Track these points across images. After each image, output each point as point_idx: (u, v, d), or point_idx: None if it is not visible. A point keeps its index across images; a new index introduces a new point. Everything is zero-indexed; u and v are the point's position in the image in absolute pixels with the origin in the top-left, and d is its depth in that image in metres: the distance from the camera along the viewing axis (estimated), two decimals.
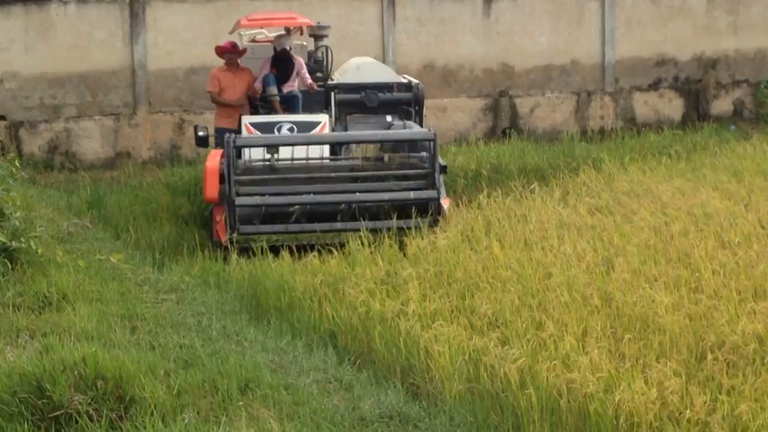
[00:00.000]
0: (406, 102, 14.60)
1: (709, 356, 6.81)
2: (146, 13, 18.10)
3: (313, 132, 13.15)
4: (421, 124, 14.21)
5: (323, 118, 13.45)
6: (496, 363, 7.05)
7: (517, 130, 19.72)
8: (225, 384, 7.02)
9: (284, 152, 12.37)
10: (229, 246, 11.43)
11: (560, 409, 6.44)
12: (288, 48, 14.11)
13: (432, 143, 12.24)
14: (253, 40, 15.65)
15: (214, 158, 12.02)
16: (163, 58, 18.20)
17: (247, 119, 13.38)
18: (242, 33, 15.49)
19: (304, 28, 15.15)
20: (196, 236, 12.84)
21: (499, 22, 19.99)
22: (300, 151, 12.40)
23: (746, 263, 9.12)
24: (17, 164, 11.85)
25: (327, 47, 14.75)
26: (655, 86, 21.14)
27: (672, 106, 21.23)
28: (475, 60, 19.82)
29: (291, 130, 13.10)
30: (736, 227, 10.61)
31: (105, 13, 17.98)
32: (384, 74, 15.39)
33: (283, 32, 14.46)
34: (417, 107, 14.56)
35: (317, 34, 15.02)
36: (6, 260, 9.88)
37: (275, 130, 13.07)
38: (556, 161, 16.59)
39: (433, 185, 12.04)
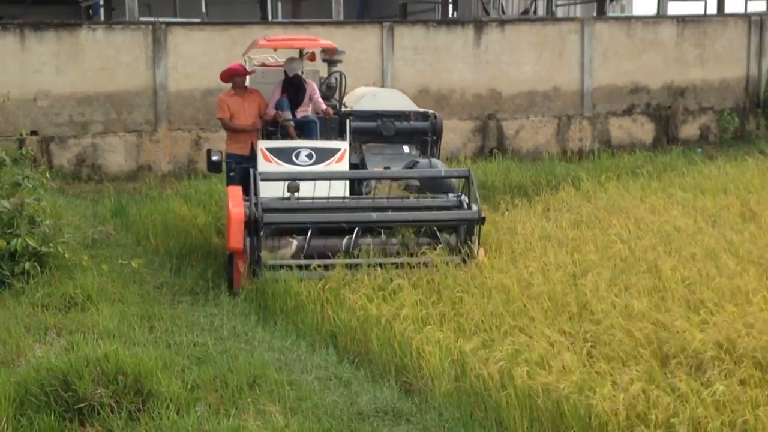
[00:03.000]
0: (422, 132, 12.85)
1: (673, 361, 6.81)
2: (167, 39, 18.13)
3: (332, 159, 11.46)
4: (438, 156, 12.81)
5: (343, 145, 11.65)
6: (479, 365, 7.04)
7: (503, 150, 19.78)
8: (234, 380, 7.04)
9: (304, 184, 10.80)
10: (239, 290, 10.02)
11: (538, 407, 6.43)
12: (300, 72, 12.42)
13: (467, 181, 10.80)
14: (263, 64, 13.95)
15: (238, 203, 10.15)
16: (182, 80, 18.22)
17: (263, 144, 11.53)
18: (249, 58, 13.66)
19: (317, 53, 13.20)
20: (211, 244, 12.82)
21: (488, 51, 20.03)
22: (320, 183, 10.92)
23: (707, 276, 9.12)
24: (48, 176, 11.88)
25: (341, 73, 12.84)
26: (629, 112, 21.17)
27: (644, 130, 21.26)
28: (466, 86, 19.86)
29: (309, 156, 11.41)
30: (701, 242, 10.62)
31: (130, 38, 18.00)
32: (400, 102, 13.55)
33: (295, 56, 12.69)
34: (434, 137, 12.84)
35: (330, 59, 13.12)
36: (36, 263, 9.92)
37: (293, 157, 11.36)
38: (538, 179, 16.59)
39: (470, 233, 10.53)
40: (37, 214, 10.51)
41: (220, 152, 12.07)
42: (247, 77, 12.33)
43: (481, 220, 10.55)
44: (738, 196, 13.72)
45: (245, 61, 13.16)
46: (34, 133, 17.44)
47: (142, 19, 20.00)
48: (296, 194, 10.65)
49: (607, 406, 6.07)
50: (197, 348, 7.96)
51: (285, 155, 11.38)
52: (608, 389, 6.31)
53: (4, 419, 6.27)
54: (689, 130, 21.54)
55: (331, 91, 12.78)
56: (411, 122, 12.85)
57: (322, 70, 13.29)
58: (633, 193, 14.43)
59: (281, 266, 9.98)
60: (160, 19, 19.35)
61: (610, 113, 21.01)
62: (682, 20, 21.62)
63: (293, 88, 12.20)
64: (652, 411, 5.91)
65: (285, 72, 12.29)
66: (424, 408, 6.77)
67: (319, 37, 13.68)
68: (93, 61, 17.81)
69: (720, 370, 6.62)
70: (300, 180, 10.71)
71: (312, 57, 13.15)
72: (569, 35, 20.60)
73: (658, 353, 7.08)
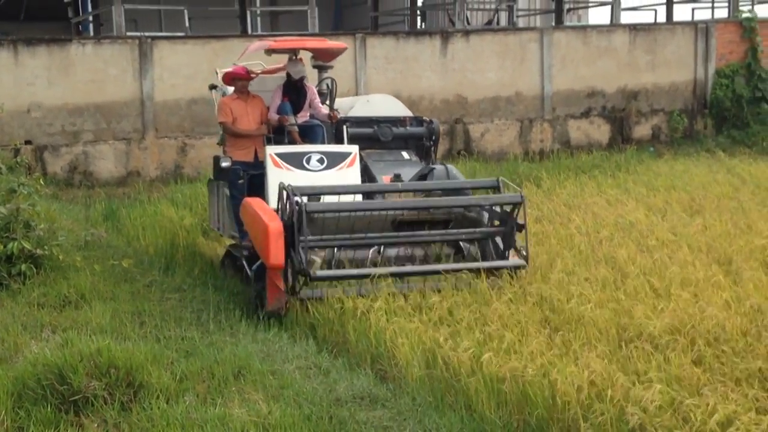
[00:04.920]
0: (419, 137, 11.91)
1: (630, 345, 6.86)
2: (153, 52, 18.03)
3: (344, 164, 10.42)
4: (435, 161, 11.77)
5: (353, 149, 10.61)
6: (449, 353, 7.06)
7: (470, 151, 19.81)
8: (221, 370, 7.03)
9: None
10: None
11: (504, 391, 6.46)
12: (305, 75, 11.19)
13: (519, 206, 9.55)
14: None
15: (272, 216, 9.03)
16: (167, 90, 18.12)
17: (272, 150, 10.36)
18: (219, 70, 12.26)
19: (307, 58, 11.88)
20: (197, 244, 12.79)
21: (455, 60, 20.06)
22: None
23: (661, 265, 9.20)
24: (42, 182, 11.80)
25: (332, 79, 11.82)
26: (586, 114, 21.27)
27: (600, 131, 21.37)
28: (434, 92, 19.89)
29: (321, 161, 10.36)
30: (653, 234, 10.70)
31: (118, 52, 17.89)
32: (394, 107, 12.65)
33: (298, 58, 11.25)
34: (431, 143, 11.90)
35: (322, 65, 12.07)
36: (32, 265, 9.87)
37: (304, 162, 10.30)
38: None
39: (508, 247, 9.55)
40: (32, 219, 10.45)
41: (230, 158, 10.73)
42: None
43: (520, 227, 9.47)
44: (686, 191, 13.84)
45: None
46: (28, 142, 17.28)
47: (129, 33, 19.86)
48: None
49: (570, 385, 6.10)
50: (185, 342, 7.93)
51: (295, 160, 10.35)
52: (570, 370, 6.35)
53: (3, 412, 6.23)
54: (642, 130, 21.67)
55: (323, 97, 11.71)
56: (407, 128, 11.96)
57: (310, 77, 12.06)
58: (590, 190, 14.53)
59: (328, 279, 8.98)
60: (146, 34, 19.23)
61: (568, 116, 21.09)
62: (634, 28, 21.74)
63: (295, 92, 11.10)
64: (609, 390, 5.95)
65: (288, 75, 11.13)
66: (398, 393, 6.78)
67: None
68: (83, 74, 17.68)
69: (674, 350, 6.68)
70: (330, 194, 9.63)
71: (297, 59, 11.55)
72: (530, 44, 20.66)
73: (617, 338, 7.12)
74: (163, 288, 10.00)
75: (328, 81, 11.78)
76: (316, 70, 12.16)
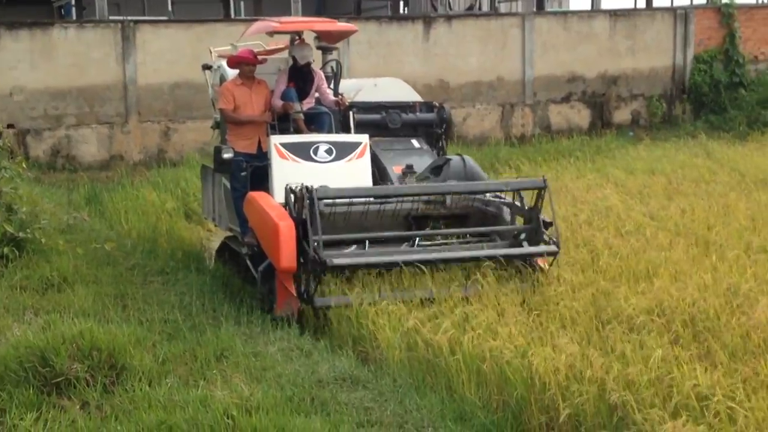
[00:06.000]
0: (429, 123, 10.95)
1: (607, 327, 6.89)
2: (136, 36, 17.89)
3: (353, 155, 9.60)
4: (445, 150, 10.91)
5: (363, 139, 9.77)
6: (429, 335, 7.06)
7: (451, 136, 19.76)
8: (203, 353, 7.01)
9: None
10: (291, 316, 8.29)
11: (484, 371, 6.47)
12: (312, 60, 10.24)
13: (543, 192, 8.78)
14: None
15: (282, 215, 8.36)
16: (150, 74, 18.00)
17: (276, 139, 9.52)
18: (213, 49, 11.69)
19: (311, 39, 10.87)
20: (179, 227, 12.73)
21: (437, 45, 20.01)
22: (336, 182, 9.02)
23: (638, 248, 9.23)
24: (24, 166, 11.69)
25: (337, 61, 10.85)
26: (566, 99, 21.29)
27: (581, 115, 21.40)
28: (417, 77, 19.80)
29: (329, 152, 9.52)
30: (631, 217, 10.73)
31: (100, 36, 17.74)
32: (403, 92, 11.47)
33: (305, 42, 10.36)
34: (442, 130, 10.97)
35: (326, 46, 11.03)
36: (14, 248, 9.78)
37: (311, 153, 9.47)
38: (484, 162, 16.59)
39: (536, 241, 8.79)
40: (14, 202, 10.36)
41: (232, 149, 9.74)
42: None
43: (547, 225, 8.75)
44: (664, 174, 13.89)
45: (210, 54, 11.64)
46: (10, 126, 17.11)
47: (112, 17, 19.68)
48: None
49: (549, 365, 6.12)
50: (168, 324, 7.90)
51: (302, 151, 9.49)
52: (549, 351, 6.37)
53: None
54: (622, 115, 21.72)
55: (327, 80, 10.66)
56: (417, 114, 10.98)
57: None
58: (570, 174, 14.56)
59: (345, 268, 8.26)
60: (129, 18, 19.08)
61: (549, 101, 21.10)
62: (614, 14, 21.75)
63: (301, 78, 10.15)
64: (587, 370, 5.97)
65: (294, 59, 10.17)
66: (379, 375, 6.78)
67: (275, 37, 11.15)
68: (66, 58, 17.52)
69: (651, 330, 6.71)
70: (352, 197, 8.82)
71: (301, 41, 10.58)
72: (511, 29, 20.63)
73: (594, 320, 7.15)
74: (145, 271, 9.94)
75: (333, 63, 10.86)
76: (319, 52, 11.13)
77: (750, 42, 22.57)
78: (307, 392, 6.31)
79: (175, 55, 17.88)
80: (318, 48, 10.99)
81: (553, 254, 8.58)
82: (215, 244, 11.90)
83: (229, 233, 10.69)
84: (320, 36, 10.91)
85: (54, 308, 8.14)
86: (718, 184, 12.81)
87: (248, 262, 9.46)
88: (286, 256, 8.09)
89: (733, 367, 5.94)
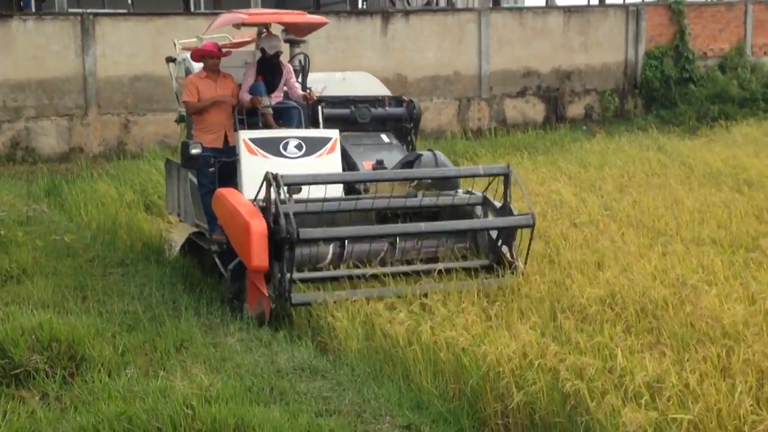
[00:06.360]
0: (398, 118, 10.62)
1: (561, 316, 6.95)
2: (95, 28, 17.67)
3: (323, 150, 9.35)
4: (414, 145, 10.67)
5: (333, 134, 9.49)
6: (386, 325, 7.07)
7: None
8: (163, 344, 6.96)
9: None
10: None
11: (441, 360, 6.50)
12: (280, 51, 9.89)
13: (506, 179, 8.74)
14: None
15: (253, 212, 8.11)
16: (110, 67, 17.80)
17: (245, 135, 9.19)
18: (177, 42, 11.38)
19: (278, 32, 10.40)
20: (138, 219, 12.61)
21: (395, 39, 20.03)
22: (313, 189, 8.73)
23: (591, 239, 9.32)
24: None
25: (305, 54, 10.50)
26: (522, 94, 21.43)
27: (536, 110, 21.55)
28: (375, 71, 19.65)
29: (299, 147, 9.23)
30: (585, 209, 10.84)
31: (60, 28, 17.51)
32: (372, 86, 11.23)
33: (273, 33, 10.00)
34: (411, 125, 10.68)
35: (294, 39, 10.71)
36: None
37: (280, 148, 9.19)
38: None
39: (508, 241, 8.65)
40: None
41: (200, 144, 9.38)
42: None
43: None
44: (617, 167, 14.04)
45: (174, 47, 11.31)
46: None
47: (71, 10, 19.42)
48: (294, 195, 8.66)
49: (503, 354, 6.17)
50: (128, 315, 7.82)
51: (271, 146, 9.18)
52: (504, 340, 6.41)
53: None
54: (575, 109, 21.91)
55: (295, 74, 10.28)
56: (386, 108, 10.63)
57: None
58: (525, 167, 14.65)
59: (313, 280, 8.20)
60: (88, 11, 18.87)
61: (505, 95, 21.22)
62: (568, 10, 21.93)
63: (270, 71, 9.79)
64: (540, 359, 6.02)
65: (262, 51, 9.77)
66: (337, 365, 6.78)
67: (237, 32, 10.95)
68: (25, 50, 17.27)
69: (605, 320, 6.79)
70: (319, 183, 8.68)
71: (269, 33, 10.14)
72: (468, 24, 20.70)
73: (550, 310, 7.21)
74: (105, 263, 9.84)
75: (301, 57, 10.56)
76: (287, 45, 10.83)
77: (699, 39, 22.88)
78: (266, 382, 6.29)
79: (134, 47, 17.70)
80: (286, 41, 10.70)
81: (530, 226, 8.47)
82: (175, 235, 11.81)
83: (195, 229, 10.41)
84: (289, 28, 10.63)
85: (13, 300, 8.03)
86: (669, 177, 12.97)
87: (217, 259, 9.24)
88: (258, 255, 7.86)
89: (682, 354, 6.02)
